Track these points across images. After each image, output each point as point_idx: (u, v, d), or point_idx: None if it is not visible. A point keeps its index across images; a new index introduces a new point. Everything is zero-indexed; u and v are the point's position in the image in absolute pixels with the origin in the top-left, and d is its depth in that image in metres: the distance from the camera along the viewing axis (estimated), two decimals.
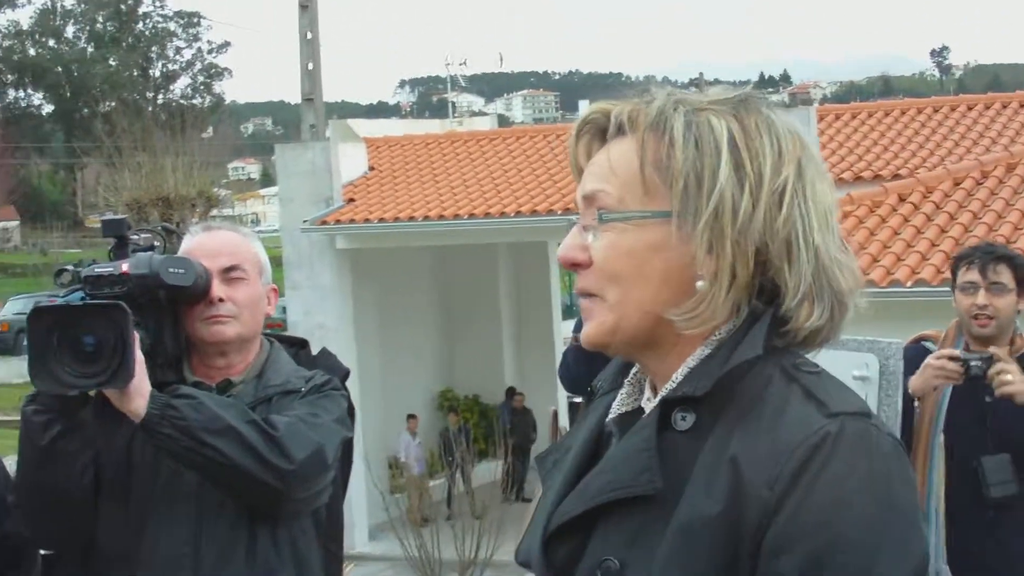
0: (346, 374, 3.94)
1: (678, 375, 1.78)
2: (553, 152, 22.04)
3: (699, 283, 1.73)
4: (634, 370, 1.92)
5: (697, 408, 1.73)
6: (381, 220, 20.30)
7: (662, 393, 1.79)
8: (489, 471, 21.89)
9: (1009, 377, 5.02)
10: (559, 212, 19.21)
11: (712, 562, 1.65)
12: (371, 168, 22.48)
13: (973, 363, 5.10)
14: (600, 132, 1.86)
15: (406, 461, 21.30)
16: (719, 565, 1.65)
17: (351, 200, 21.07)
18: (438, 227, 20.20)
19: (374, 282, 21.71)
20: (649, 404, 1.85)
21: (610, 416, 1.91)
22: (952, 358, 5.12)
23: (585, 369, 4.95)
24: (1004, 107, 20.80)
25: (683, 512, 1.67)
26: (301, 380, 3.74)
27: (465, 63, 44.81)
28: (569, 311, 39.17)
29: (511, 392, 23.54)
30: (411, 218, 20.16)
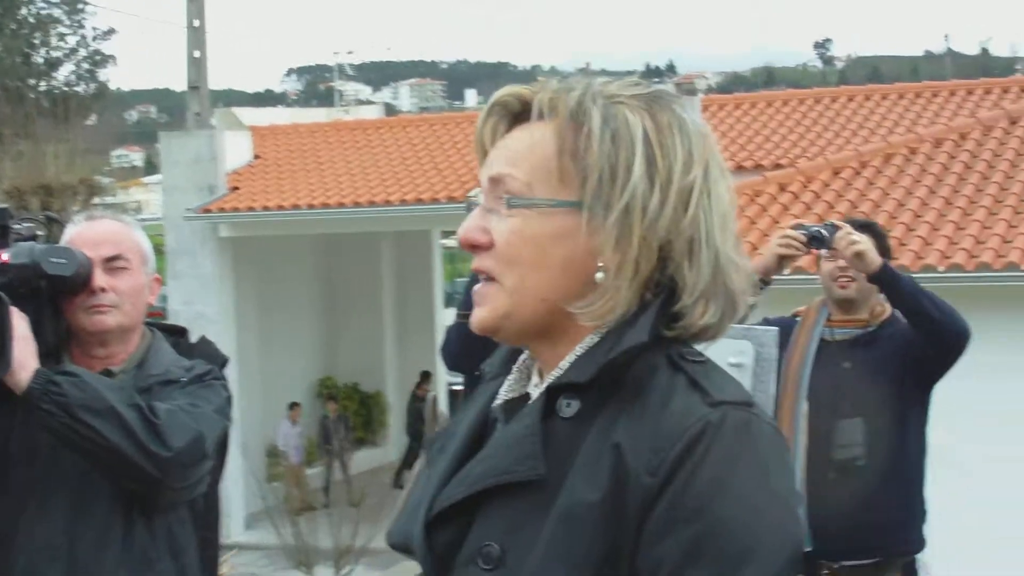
0: (224, 362, 3.94)
1: (565, 363, 1.78)
2: (439, 141, 22.11)
3: (599, 275, 1.74)
4: (522, 356, 1.92)
5: (582, 395, 1.74)
6: (265, 208, 20.24)
7: (548, 380, 1.79)
8: (368, 459, 21.94)
9: (856, 237, 5.20)
10: (444, 201, 19.29)
11: (593, 548, 1.66)
12: (256, 157, 22.37)
13: (814, 230, 5.29)
14: (509, 115, 1.86)
15: (284, 450, 21.25)
16: (600, 551, 1.66)
17: (235, 188, 20.97)
18: (322, 216, 20.19)
19: (256, 271, 21.61)
20: (536, 391, 1.85)
21: (496, 402, 1.90)
22: (795, 227, 5.33)
23: (466, 346, 5.04)
24: (883, 98, 21.18)
25: (565, 498, 1.68)
26: (182, 370, 3.73)
27: (353, 52, 44.85)
28: (451, 299, 39.31)
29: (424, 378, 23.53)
30: (295, 207, 20.12)
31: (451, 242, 44.69)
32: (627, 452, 1.66)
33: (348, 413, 22.99)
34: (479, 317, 1.81)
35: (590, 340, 1.77)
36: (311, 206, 20.11)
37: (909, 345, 5.38)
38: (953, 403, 5.74)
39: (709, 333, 1.78)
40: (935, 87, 21.84)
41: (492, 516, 1.74)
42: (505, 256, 1.77)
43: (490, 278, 1.80)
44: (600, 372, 1.71)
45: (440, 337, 19.59)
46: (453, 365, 5.31)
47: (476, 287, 1.83)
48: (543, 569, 1.67)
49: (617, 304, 1.73)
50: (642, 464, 1.65)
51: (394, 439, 24.34)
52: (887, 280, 5.23)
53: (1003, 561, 10.71)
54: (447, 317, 34.02)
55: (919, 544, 5.59)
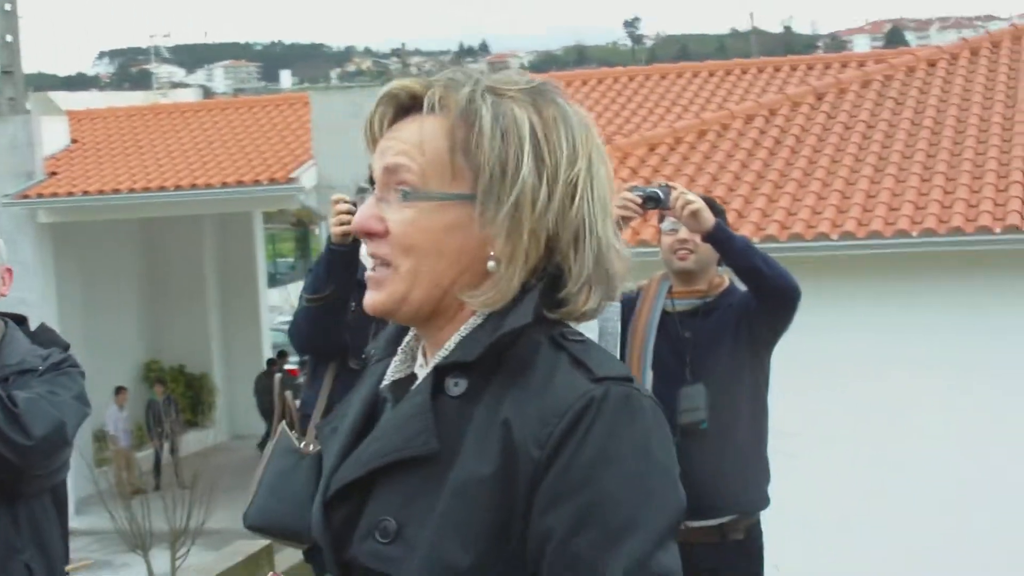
0: (66, 347, 3.98)
1: (451, 343, 1.86)
2: (258, 123, 22.07)
3: (490, 263, 1.82)
4: (407, 338, 2.00)
5: (469, 374, 1.81)
6: (85, 193, 20.03)
7: (434, 360, 1.87)
8: (197, 440, 21.87)
9: (690, 197, 5.32)
10: (265, 183, 19.31)
11: (486, 520, 1.73)
12: (73, 141, 22.11)
13: (649, 190, 5.43)
14: (399, 107, 1.90)
15: (113, 434, 21.07)
16: (493, 523, 1.73)
17: (53, 174, 20.72)
18: (143, 199, 20.05)
19: (77, 256, 21.40)
20: (422, 371, 1.92)
21: (384, 383, 1.96)
22: (631, 189, 5.46)
23: (316, 329, 5.21)
24: (695, 76, 21.59)
25: (458, 473, 1.75)
26: (38, 359, 3.76)
27: (169, 35, 44.24)
28: (273, 279, 39.17)
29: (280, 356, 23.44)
30: (115, 191, 19.94)
31: (273, 224, 44.32)
32: (515, 427, 1.74)
33: (175, 396, 22.88)
34: (376, 300, 1.88)
35: (473, 321, 1.85)
36: (131, 190, 19.94)
37: (745, 311, 5.57)
38: (784, 358, 5.95)
39: (588, 316, 1.87)
40: (744, 64, 22.31)
41: (387, 492, 1.81)
42: (401, 244, 1.84)
43: (384, 263, 1.87)
44: (486, 352, 1.80)
45: (265, 317, 19.51)
46: (303, 348, 5.44)
47: (368, 272, 1.90)
48: (439, 540, 1.74)
49: (507, 292, 1.82)
50: (530, 438, 1.73)
51: (221, 420, 24.29)
52: (721, 238, 5.37)
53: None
54: (271, 298, 34.00)
55: (762, 503, 5.78)
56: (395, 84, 1.91)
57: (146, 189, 19.87)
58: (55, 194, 20.11)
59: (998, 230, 12.15)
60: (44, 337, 3.98)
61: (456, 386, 1.82)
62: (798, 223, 12.86)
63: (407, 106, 1.90)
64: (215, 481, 15.34)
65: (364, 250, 1.99)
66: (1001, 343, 12.52)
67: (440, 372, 1.84)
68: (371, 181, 1.97)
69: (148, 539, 14.51)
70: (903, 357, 12.62)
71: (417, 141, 1.85)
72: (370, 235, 1.87)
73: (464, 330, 1.86)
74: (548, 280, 1.85)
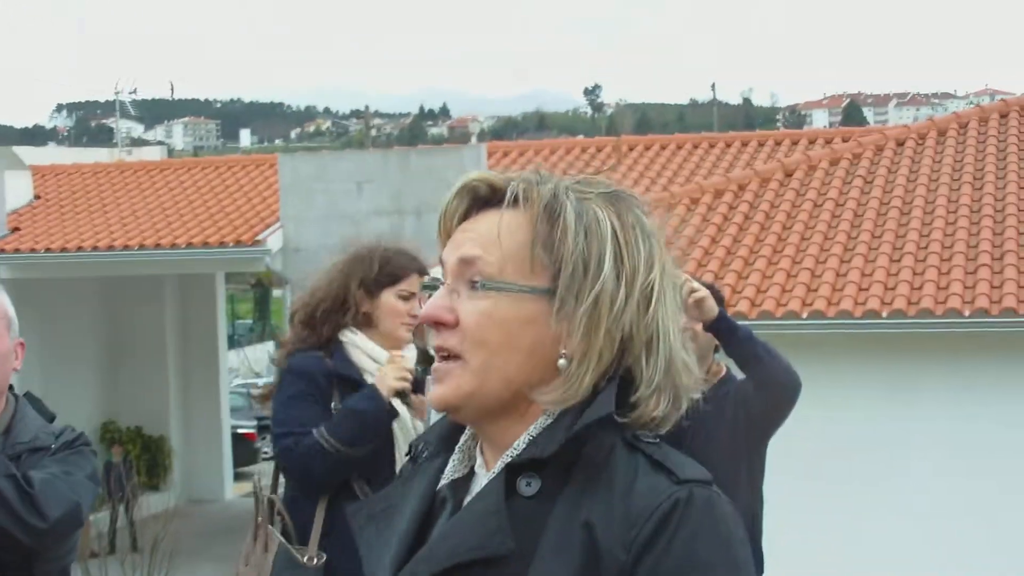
0: (52, 418, 3.86)
1: (520, 442, 1.83)
2: (224, 184, 22.02)
3: (561, 361, 1.80)
4: (464, 437, 1.96)
5: (542, 474, 1.78)
6: (48, 250, 19.90)
7: (503, 459, 1.83)
8: (153, 503, 21.59)
9: (696, 284, 5.26)
10: (231, 245, 19.20)
11: None
12: (37, 196, 21.99)
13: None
14: (476, 200, 1.89)
15: None
16: None
17: (16, 229, 20.58)
18: (106, 258, 19.91)
19: (37, 313, 21.13)
20: (482, 470, 1.90)
21: (443, 481, 1.93)
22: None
23: (335, 476, 4.71)
24: (662, 148, 21.69)
25: (536, 575, 1.73)
26: (51, 436, 3.66)
27: (136, 91, 44.02)
28: (232, 341, 38.97)
29: None
30: (79, 248, 19.81)
31: (232, 285, 44.09)
32: (599, 530, 1.72)
33: (131, 457, 22.63)
34: (442, 395, 1.84)
35: (543, 420, 1.82)
36: (95, 248, 19.80)
37: (743, 402, 5.51)
38: None
39: (656, 425, 1.85)
40: (711, 139, 22.47)
41: None
42: (473, 336, 1.81)
43: (452, 356, 1.83)
44: (563, 447, 1.77)
45: (224, 379, 19.15)
46: (309, 490, 4.83)
47: (436, 365, 1.86)
48: None
49: (578, 391, 1.79)
50: (615, 541, 1.71)
51: (178, 483, 24.04)
52: (724, 328, 5.32)
53: None
54: (230, 360, 33.75)
55: None
56: (473, 177, 1.90)
57: (110, 247, 19.74)
58: (17, 250, 19.99)
59: (967, 313, 12.20)
60: (32, 406, 3.83)
61: (528, 486, 1.79)
62: (768, 300, 12.88)
63: (484, 199, 1.89)
64: (174, 546, 15.10)
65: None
66: (968, 424, 12.54)
67: (512, 471, 1.80)
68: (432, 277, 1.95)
69: None
70: (872, 436, 12.63)
71: (496, 234, 1.83)
72: (438, 326, 1.85)
73: (534, 430, 1.83)
74: (619, 384, 1.82)
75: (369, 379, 4.78)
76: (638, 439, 1.82)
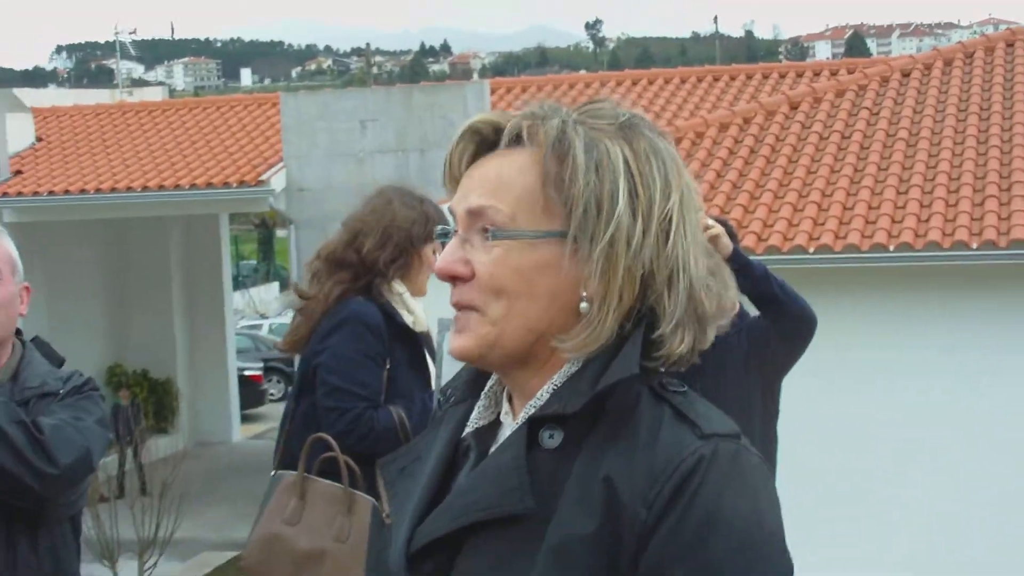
0: (62, 362, 3.82)
1: (543, 392, 1.77)
2: (227, 124, 21.94)
3: (583, 304, 1.73)
4: (490, 383, 1.90)
5: (564, 426, 1.72)
6: (51, 193, 19.86)
7: (527, 410, 1.77)
8: (160, 447, 21.63)
9: (710, 221, 5.22)
10: (234, 185, 19.16)
11: None
12: (39, 139, 21.92)
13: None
14: (482, 143, 1.82)
15: None
16: None
17: (18, 172, 20.53)
18: (110, 200, 19.84)
19: (42, 257, 21.11)
20: (508, 418, 1.84)
21: (467, 430, 1.88)
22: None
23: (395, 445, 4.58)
24: (667, 82, 21.60)
25: (556, 531, 1.67)
26: (59, 382, 3.62)
27: (135, 31, 43.74)
28: (237, 282, 38.95)
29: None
30: (82, 191, 19.77)
31: (236, 226, 44.05)
32: (619, 485, 1.65)
33: (139, 400, 22.66)
34: (464, 345, 1.78)
35: (567, 369, 1.76)
36: (98, 190, 19.76)
37: (757, 338, 5.50)
38: None
39: (683, 361, 1.78)
40: (714, 71, 22.37)
41: (478, 551, 1.72)
42: (490, 286, 1.75)
43: (471, 309, 1.77)
44: (587, 404, 1.70)
45: (230, 320, 19.12)
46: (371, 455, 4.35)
47: (456, 315, 1.80)
48: None
49: (600, 335, 1.72)
50: (637, 497, 1.65)
51: (185, 426, 24.09)
52: (740, 263, 5.29)
53: None
54: (236, 301, 33.74)
55: None
56: (477, 118, 1.82)
57: (113, 189, 19.68)
58: (20, 193, 19.93)
59: (975, 245, 12.14)
60: (40, 351, 3.80)
61: (551, 438, 1.72)
62: (774, 235, 12.82)
63: (490, 141, 1.82)
64: (182, 490, 15.14)
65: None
66: (976, 355, 12.52)
67: (534, 424, 1.74)
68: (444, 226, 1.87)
69: (116, 549, 14.30)
70: (877, 366, 12.62)
71: (503, 178, 1.76)
72: (454, 279, 1.78)
73: (558, 379, 1.77)
74: (644, 324, 1.75)
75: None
76: (665, 388, 1.75)
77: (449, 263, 1.78)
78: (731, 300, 5.31)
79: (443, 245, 1.83)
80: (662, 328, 1.74)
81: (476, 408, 1.89)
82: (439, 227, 1.88)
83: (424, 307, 4.92)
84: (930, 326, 12.73)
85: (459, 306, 1.78)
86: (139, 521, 14.15)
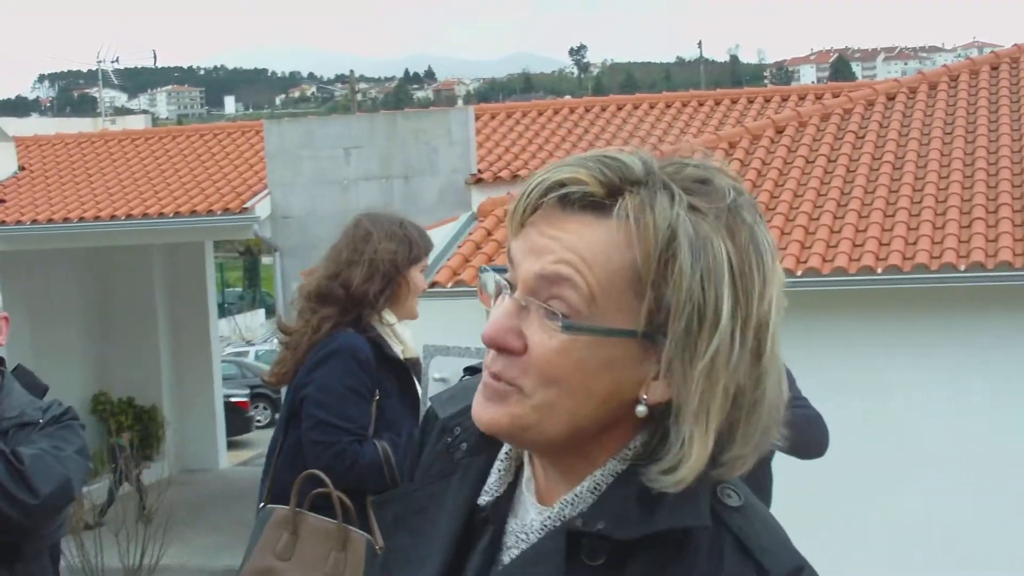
0: (45, 391, 3.82)
1: (583, 489, 1.57)
2: (210, 152, 21.90)
3: (640, 408, 1.51)
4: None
5: (610, 541, 1.51)
6: (34, 222, 19.77)
7: (561, 506, 1.58)
8: (150, 473, 21.53)
9: None
10: (219, 213, 19.11)
11: None
12: (21, 168, 21.86)
13: None
14: (563, 197, 1.52)
15: None
16: None
17: (1, 201, 20.44)
18: (93, 228, 19.76)
19: (25, 285, 21.05)
20: (531, 487, 1.65)
21: (484, 498, 1.67)
22: None
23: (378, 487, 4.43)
24: (651, 107, 21.60)
25: None
26: (38, 412, 3.61)
27: (117, 60, 43.69)
28: (222, 310, 38.90)
29: None
30: (65, 219, 19.70)
31: (221, 253, 43.94)
32: None
33: (135, 439, 22.55)
34: (494, 420, 1.55)
35: (612, 467, 1.57)
36: (81, 219, 19.69)
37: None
38: None
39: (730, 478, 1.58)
40: (699, 96, 22.38)
41: None
42: (544, 374, 1.50)
43: (512, 385, 1.53)
44: (647, 538, 1.50)
45: (216, 348, 19.05)
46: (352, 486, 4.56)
47: (492, 383, 1.56)
48: None
49: (700, 465, 1.50)
50: None
51: (171, 454, 24.00)
52: None
53: None
54: (222, 328, 33.66)
55: None
56: (562, 175, 1.52)
57: (96, 218, 19.62)
58: (3, 222, 19.84)
59: (962, 267, 12.11)
60: (24, 380, 3.80)
61: (594, 553, 1.51)
62: None
63: (569, 199, 1.52)
64: (168, 517, 15.08)
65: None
66: (958, 379, 12.50)
67: (575, 534, 1.53)
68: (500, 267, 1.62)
69: None
70: (864, 388, 12.59)
71: (592, 251, 1.49)
72: (502, 351, 1.53)
73: (602, 478, 1.56)
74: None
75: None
76: (723, 503, 1.54)
77: (501, 333, 1.53)
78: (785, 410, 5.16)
79: (484, 288, 1.62)
80: (736, 450, 1.54)
81: (495, 471, 1.68)
82: (486, 268, 1.62)
83: (413, 330, 4.89)
84: (918, 348, 12.70)
85: (499, 379, 1.54)
86: (124, 549, 14.09)
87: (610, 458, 1.56)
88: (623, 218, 1.48)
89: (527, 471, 1.66)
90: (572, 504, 1.56)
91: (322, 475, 4.38)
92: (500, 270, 1.59)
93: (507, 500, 1.66)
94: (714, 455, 1.52)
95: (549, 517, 1.58)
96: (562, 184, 1.51)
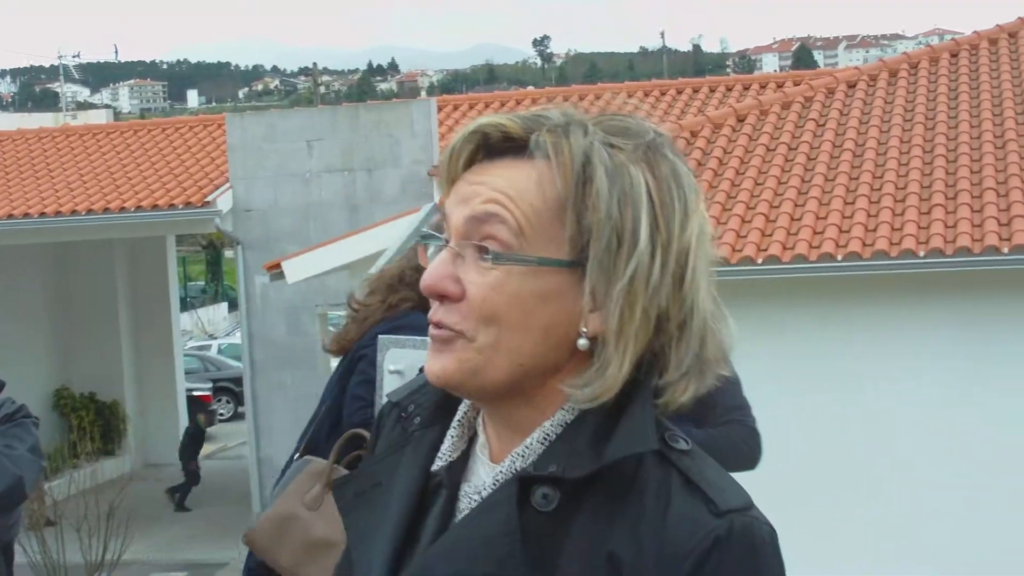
0: (2, 385, 3.78)
1: (533, 440, 1.60)
2: (172, 146, 21.80)
3: (581, 341, 1.56)
4: (463, 408, 1.72)
5: (561, 485, 1.55)
6: None
7: (513, 459, 1.61)
8: (109, 469, 21.48)
9: None
10: (180, 207, 19.05)
11: None
12: None
13: None
14: (485, 147, 1.61)
15: None
16: None
17: None
18: (54, 223, 19.69)
19: None
20: (484, 452, 1.68)
21: (438, 463, 1.69)
22: None
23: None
24: (614, 97, 21.56)
25: None
26: None
27: (79, 55, 43.36)
28: (185, 304, 38.74)
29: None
30: (26, 215, 19.59)
31: (183, 247, 43.81)
32: (626, 563, 1.51)
33: (85, 423, 22.45)
34: (443, 369, 1.59)
35: (562, 416, 1.60)
36: (42, 214, 19.59)
37: None
38: None
39: (681, 411, 1.62)
40: (661, 85, 22.44)
41: None
42: (482, 313, 1.56)
43: (454, 331, 1.58)
44: (594, 473, 1.53)
45: (178, 342, 18.90)
46: None
47: (434, 332, 1.61)
48: None
49: (615, 383, 1.55)
50: None
51: (133, 449, 23.94)
52: None
53: None
54: (184, 322, 33.56)
55: None
56: (487, 121, 1.61)
57: (58, 213, 19.53)
58: None
59: (922, 253, 12.16)
60: None
61: (545, 500, 1.54)
62: (723, 247, 12.81)
63: (497, 148, 1.61)
64: (131, 512, 15.02)
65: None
66: (927, 364, 12.57)
67: (524, 481, 1.56)
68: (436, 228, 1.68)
69: (63, 574, 14.17)
70: (828, 377, 12.64)
71: (516, 189, 1.56)
72: (442, 298, 1.58)
73: (551, 428, 1.60)
74: (647, 367, 1.58)
75: None
76: (670, 447, 1.59)
77: (438, 280, 1.58)
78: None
79: (425, 249, 1.66)
80: (669, 376, 1.58)
81: (448, 438, 1.71)
82: (423, 229, 1.69)
83: None
84: (877, 334, 12.75)
85: (441, 326, 1.59)
86: (86, 545, 14.02)
87: (559, 409, 1.60)
88: (543, 154, 1.56)
89: (480, 437, 1.69)
90: (523, 456, 1.60)
91: (366, 435, 4.35)
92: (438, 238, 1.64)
93: (461, 467, 1.68)
94: (659, 388, 1.58)
95: (500, 471, 1.62)
96: (482, 131, 1.60)
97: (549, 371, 1.58)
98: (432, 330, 1.61)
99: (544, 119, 1.59)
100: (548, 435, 1.60)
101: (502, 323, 1.55)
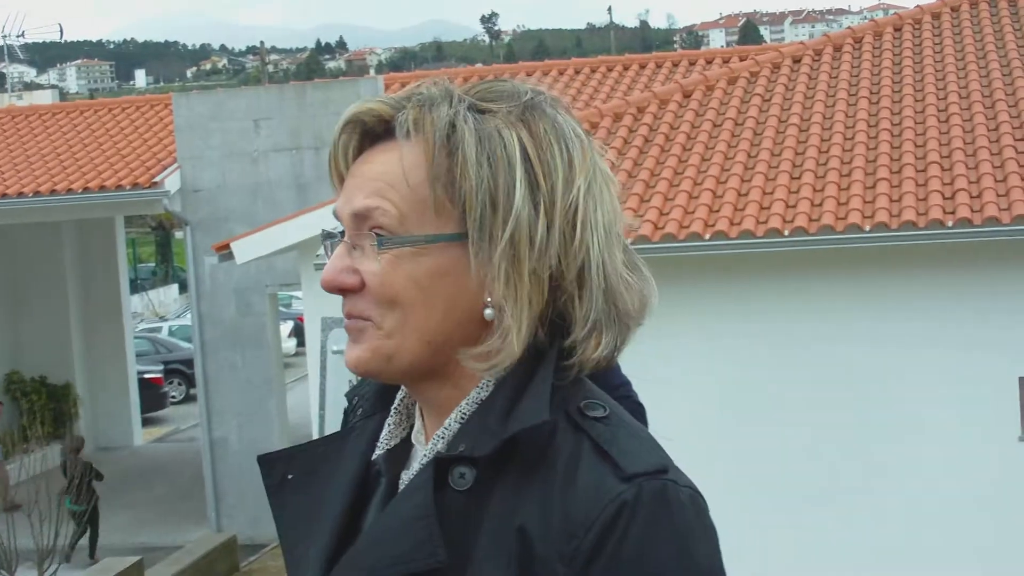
0: None
1: (452, 420, 1.61)
2: (119, 126, 21.68)
3: (487, 311, 1.57)
4: (400, 396, 1.74)
5: (476, 463, 1.55)
6: None
7: (434, 441, 1.63)
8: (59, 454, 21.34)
9: None
10: (128, 188, 18.97)
11: None
12: None
13: None
14: (366, 134, 1.64)
15: None
16: None
17: None
18: (1, 206, 19.55)
19: None
20: (420, 437, 1.69)
21: (377, 451, 1.71)
22: None
23: None
24: (561, 74, 21.66)
25: None
26: None
27: (23, 34, 43.03)
28: (135, 286, 38.57)
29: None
30: None
31: (133, 228, 43.55)
32: (534, 537, 1.50)
33: (36, 407, 22.31)
34: (358, 357, 1.61)
35: (476, 394, 1.61)
36: None
37: None
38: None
39: (603, 365, 1.61)
40: (608, 62, 22.46)
41: None
42: (381, 297, 1.58)
43: (363, 319, 1.60)
44: (500, 447, 1.53)
45: (128, 324, 18.82)
46: None
47: (347, 323, 1.63)
48: None
49: (513, 348, 1.56)
50: (553, 552, 1.49)
51: (85, 431, 23.85)
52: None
53: None
54: (134, 304, 33.40)
55: None
56: (358, 108, 1.63)
57: (4, 195, 19.40)
58: None
59: (867, 228, 12.27)
60: None
61: (462, 478, 1.55)
62: (670, 223, 12.87)
63: (376, 133, 1.63)
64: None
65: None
66: (868, 340, 12.68)
67: (443, 462, 1.57)
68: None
69: (14, 559, 14.11)
70: (768, 356, 12.75)
71: (390, 176, 1.58)
72: (344, 291, 1.61)
73: (467, 405, 1.61)
74: (555, 329, 1.59)
75: None
76: (583, 413, 1.57)
77: (335, 274, 1.61)
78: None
79: (329, 250, 1.66)
80: (575, 334, 1.58)
81: (386, 425, 1.73)
82: (322, 230, 1.69)
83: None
84: (822, 308, 12.87)
85: (351, 316, 1.62)
86: (37, 530, 13.97)
87: (473, 385, 1.62)
88: (411, 131, 1.58)
89: (417, 423, 1.70)
90: (443, 437, 1.61)
91: None
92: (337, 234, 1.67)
93: (402, 455, 1.70)
94: (569, 349, 1.58)
95: (424, 455, 1.64)
96: (357, 120, 1.63)
97: (467, 346, 1.59)
98: (345, 322, 1.64)
99: (415, 97, 1.61)
100: (464, 413, 1.61)
101: (404, 305, 1.57)
